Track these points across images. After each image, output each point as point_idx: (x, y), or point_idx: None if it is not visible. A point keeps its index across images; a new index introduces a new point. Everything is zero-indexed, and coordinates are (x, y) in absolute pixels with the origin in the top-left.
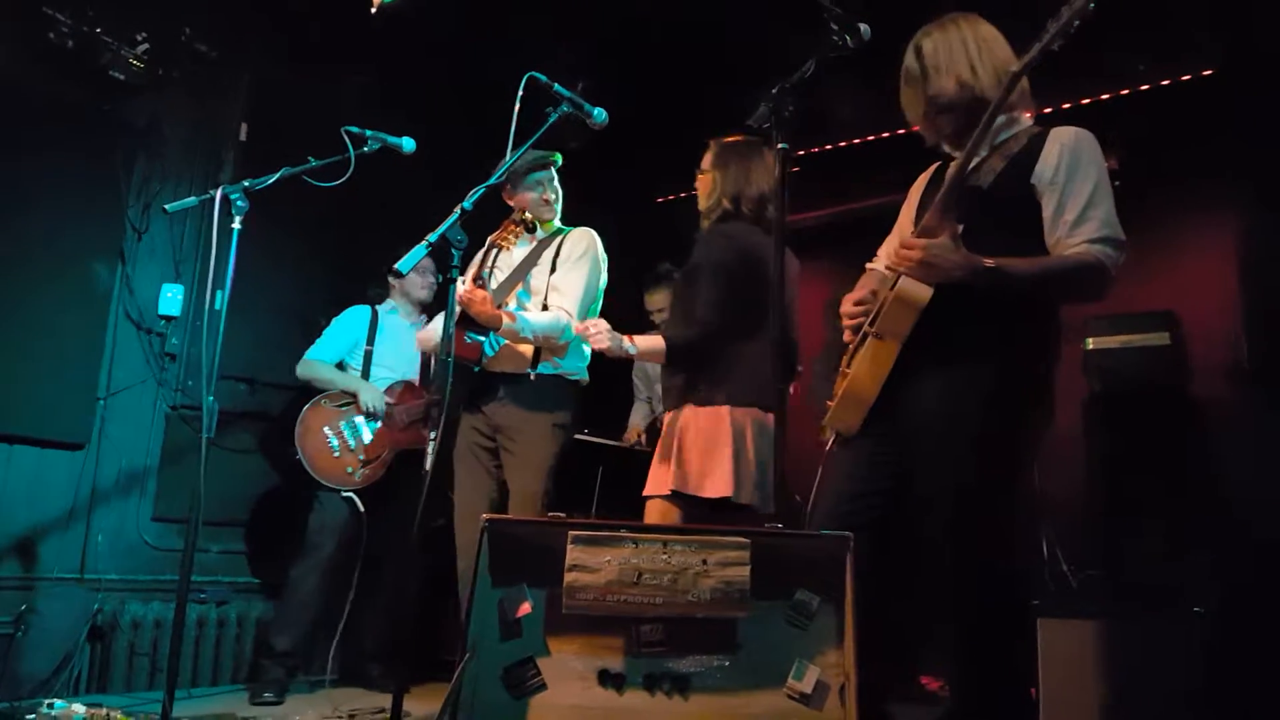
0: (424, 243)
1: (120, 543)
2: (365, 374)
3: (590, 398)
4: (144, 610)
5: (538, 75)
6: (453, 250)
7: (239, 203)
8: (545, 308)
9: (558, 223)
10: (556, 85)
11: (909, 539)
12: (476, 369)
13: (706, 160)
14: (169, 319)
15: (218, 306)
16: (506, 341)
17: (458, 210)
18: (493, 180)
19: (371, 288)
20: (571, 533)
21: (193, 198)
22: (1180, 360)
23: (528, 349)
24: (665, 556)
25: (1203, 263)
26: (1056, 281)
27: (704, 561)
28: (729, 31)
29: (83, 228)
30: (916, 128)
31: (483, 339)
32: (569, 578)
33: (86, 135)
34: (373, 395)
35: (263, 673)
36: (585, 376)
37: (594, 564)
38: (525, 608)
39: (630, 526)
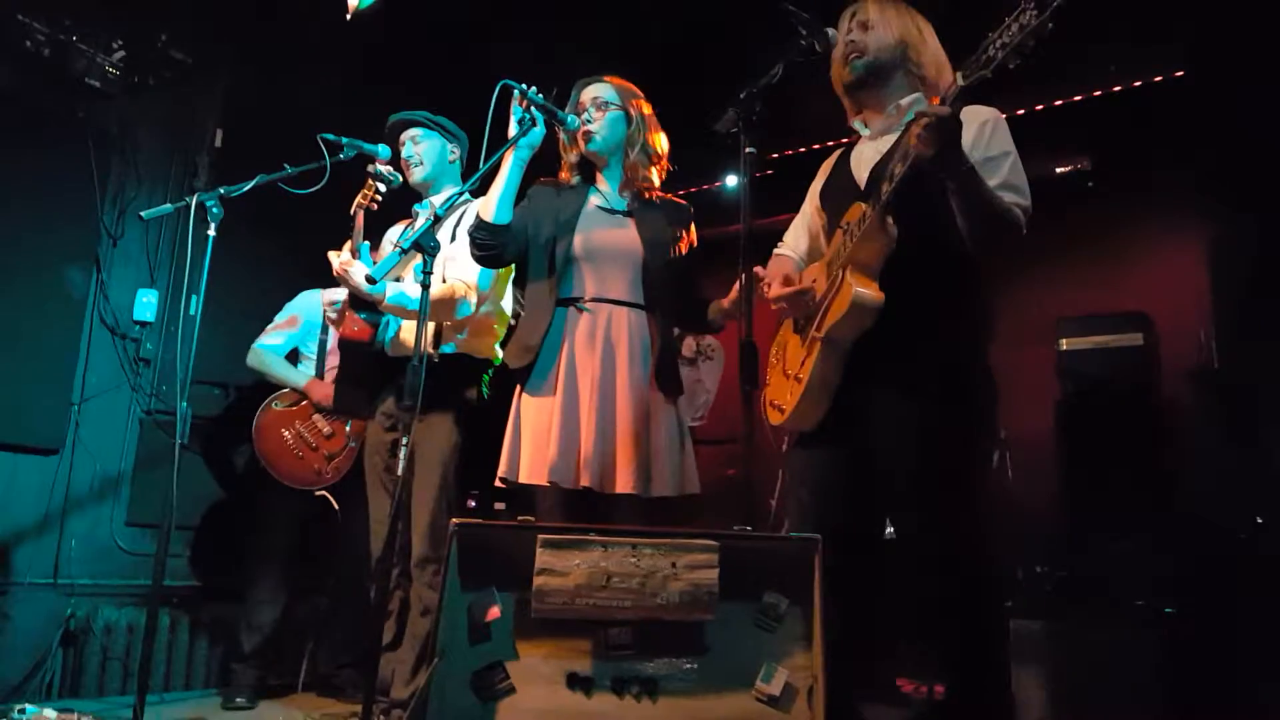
0: (397, 249)
1: (93, 547)
2: (319, 367)
3: None
4: (117, 615)
5: (511, 82)
6: (426, 256)
7: (214, 210)
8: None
9: (453, 188)
10: (530, 92)
11: (878, 540)
12: (393, 356)
13: (609, 91)
14: (144, 324)
15: (192, 312)
16: (404, 323)
17: (431, 216)
18: (466, 187)
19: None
20: (541, 536)
21: (168, 205)
22: (1153, 361)
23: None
24: (634, 560)
25: (1174, 264)
26: (997, 213)
27: (673, 565)
28: (694, 36)
29: (57, 233)
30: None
31: (375, 319)
32: (538, 581)
33: (61, 141)
34: (322, 391)
35: (235, 678)
36: (496, 355)
37: (563, 567)
38: (494, 612)
39: (599, 530)
